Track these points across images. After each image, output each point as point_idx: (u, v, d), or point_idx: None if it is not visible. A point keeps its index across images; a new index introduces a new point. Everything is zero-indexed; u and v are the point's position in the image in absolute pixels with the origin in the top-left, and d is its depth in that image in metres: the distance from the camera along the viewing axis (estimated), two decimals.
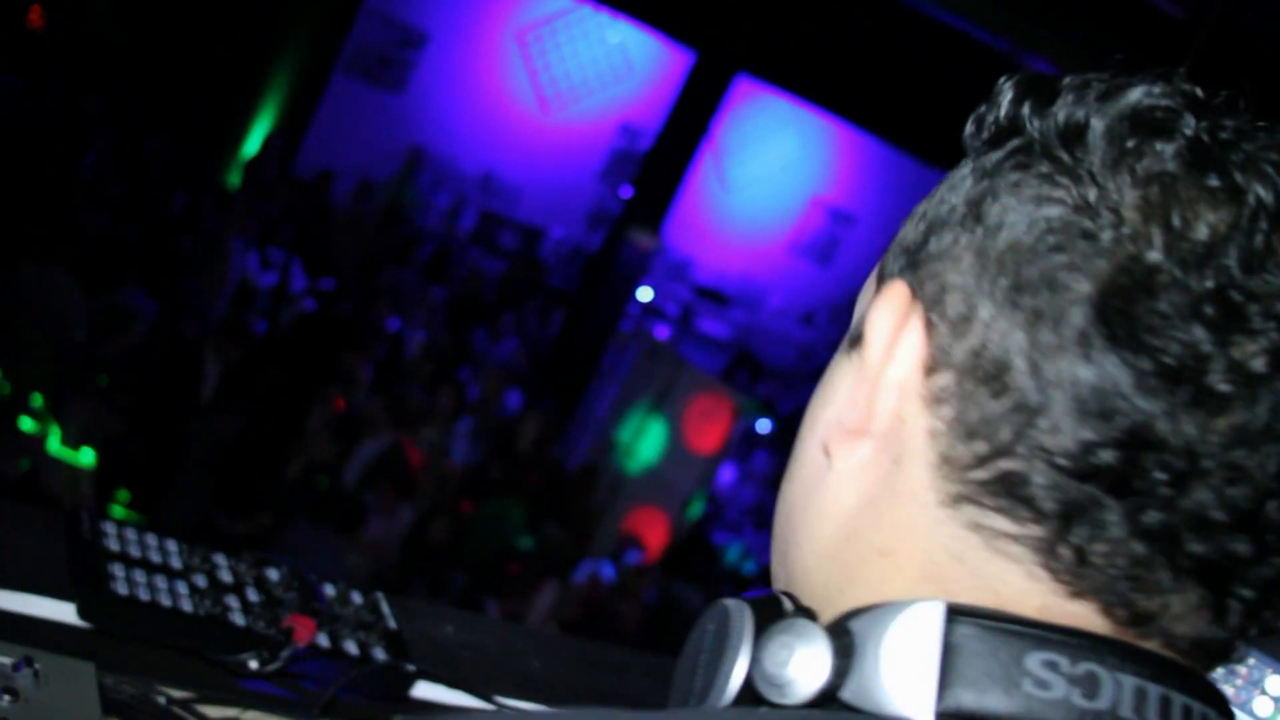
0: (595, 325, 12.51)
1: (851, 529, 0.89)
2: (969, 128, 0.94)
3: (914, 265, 0.88)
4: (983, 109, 0.93)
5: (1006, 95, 0.90)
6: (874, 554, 0.87)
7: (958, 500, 0.83)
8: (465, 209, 15.33)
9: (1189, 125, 0.83)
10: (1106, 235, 0.80)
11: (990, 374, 0.81)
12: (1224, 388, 0.77)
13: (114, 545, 1.75)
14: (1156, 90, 0.85)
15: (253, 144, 13.83)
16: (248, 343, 9.11)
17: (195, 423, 8.33)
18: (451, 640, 1.96)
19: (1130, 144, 0.82)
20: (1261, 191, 0.80)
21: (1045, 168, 0.84)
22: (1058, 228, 0.81)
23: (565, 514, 9.24)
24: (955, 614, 0.79)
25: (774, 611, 0.87)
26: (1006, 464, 0.81)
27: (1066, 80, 0.88)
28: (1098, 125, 0.83)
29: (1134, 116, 0.83)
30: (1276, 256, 0.79)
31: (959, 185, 0.89)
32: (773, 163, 16.72)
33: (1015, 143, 0.87)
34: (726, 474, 11.94)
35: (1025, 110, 0.87)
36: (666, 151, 13.01)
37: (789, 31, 12.62)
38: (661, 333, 14.82)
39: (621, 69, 15.80)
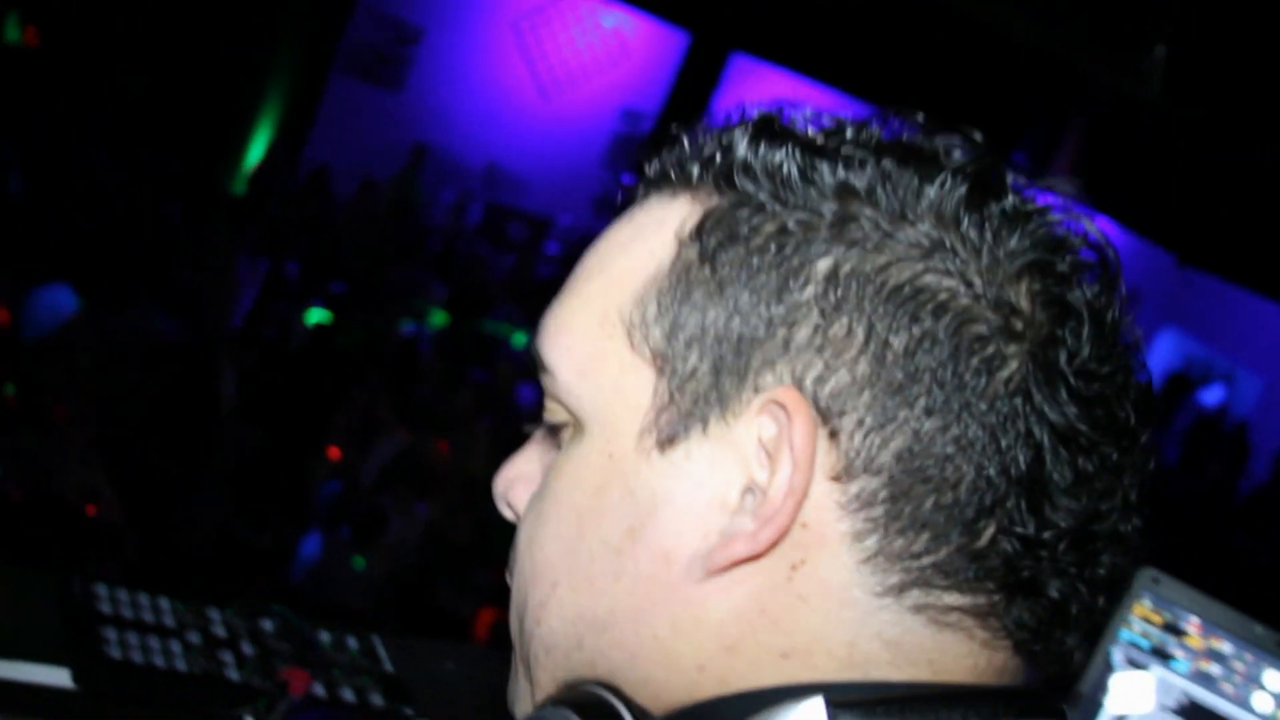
0: None
1: (733, 640, 0.84)
2: (671, 169, 0.97)
3: (768, 363, 0.83)
4: (685, 154, 0.95)
5: (741, 140, 0.88)
6: (773, 657, 0.84)
7: (902, 589, 0.82)
8: (471, 203, 15.33)
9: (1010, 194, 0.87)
10: (1018, 326, 0.82)
11: (931, 473, 0.81)
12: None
13: (106, 608, 1.75)
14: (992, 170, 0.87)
15: (255, 151, 13.85)
16: (263, 353, 9.14)
17: (215, 435, 8.37)
18: (451, 677, 1.96)
19: (988, 228, 0.84)
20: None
21: (910, 252, 0.82)
22: (970, 330, 0.81)
23: None
24: (836, 705, 0.79)
25: None
26: (963, 544, 0.81)
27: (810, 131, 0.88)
28: (936, 197, 0.84)
29: (974, 192, 0.84)
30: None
31: (772, 263, 0.83)
32: None
33: (827, 210, 0.84)
34: None
35: (835, 174, 0.85)
36: (668, 133, 12.98)
37: (780, 7, 12.58)
38: None
39: (618, 53, 15.77)
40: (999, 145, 0.88)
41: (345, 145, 14.42)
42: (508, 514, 0.99)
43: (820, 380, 0.81)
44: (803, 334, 0.82)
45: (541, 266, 14.74)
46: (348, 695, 1.77)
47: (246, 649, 1.77)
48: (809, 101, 0.90)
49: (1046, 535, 0.82)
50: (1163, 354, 15.58)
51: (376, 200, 13.91)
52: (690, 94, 12.94)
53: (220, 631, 1.79)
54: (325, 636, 1.84)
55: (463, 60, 15.43)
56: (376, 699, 1.78)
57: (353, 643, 1.86)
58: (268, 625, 1.82)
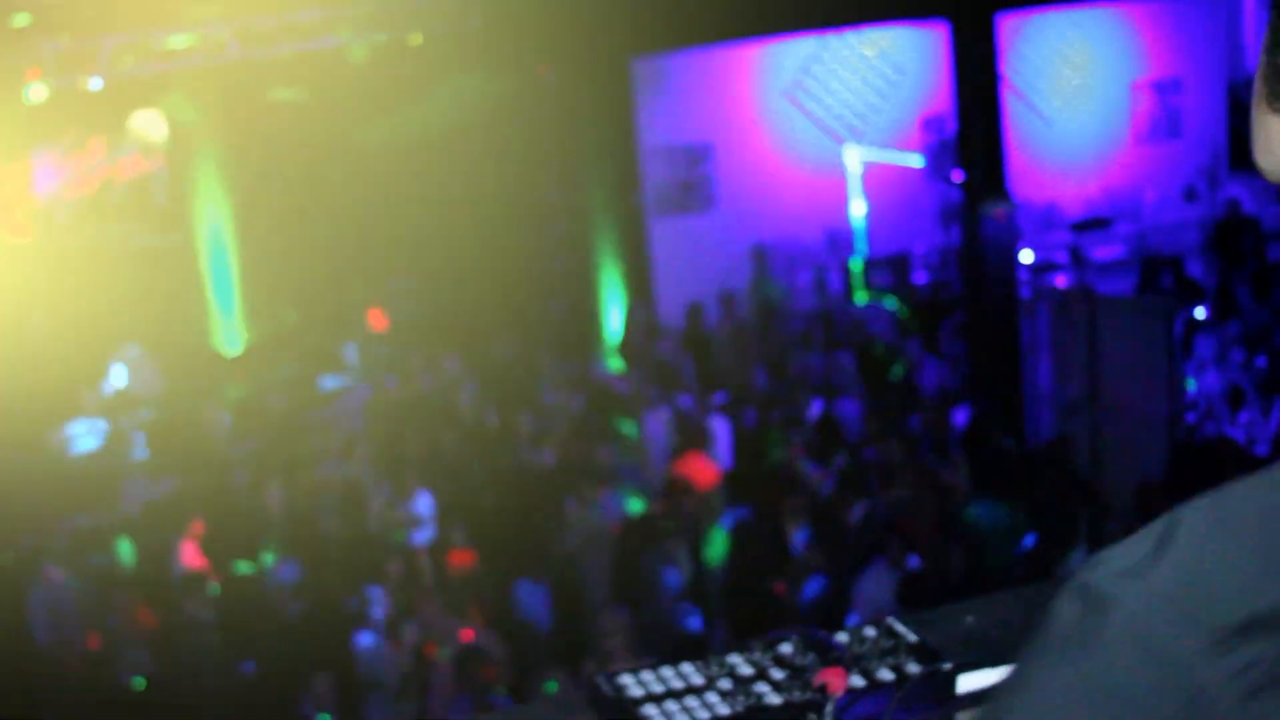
0: (998, 308, 12.27)
1: None
2: None
3: None
4: None
5: None
6: None
7: None
8: (827, 273, 15.31)
9: None
10: None
11: None
12: None
13: (637, 692, 1.82)
14: None
15: (610, 322, 14.28)
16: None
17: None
18: (975, 628, 1.97)
19: None
20: None
21: None
22: None
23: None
24: None
25: None
26: None
27: None
28: None
29: None
30: None
31: None
32: (1077, 72, 16.30)
33: None
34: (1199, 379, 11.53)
35: None
36: (973, 121, 12.73)
37: None
38: (1062, 282, 14.50)
39: (895, 73, 15.66)
40: None
41: (688, 280, 14.62)
42: None
43: None
44: None
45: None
46: (886, 674, 1.80)
47: (776, 674, 1.82)
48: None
49: None
50: None
51: (737, 311, 14.19)
52: (975, 71, 12.63)
53: (746, 670, 1.84)
54: (843, 636, 1.87)
55: (760, 151, 15.47)
56: (913, 668, 1.80)
57: (870, 631, 1.89)
58: (787, 649, 1.86)
